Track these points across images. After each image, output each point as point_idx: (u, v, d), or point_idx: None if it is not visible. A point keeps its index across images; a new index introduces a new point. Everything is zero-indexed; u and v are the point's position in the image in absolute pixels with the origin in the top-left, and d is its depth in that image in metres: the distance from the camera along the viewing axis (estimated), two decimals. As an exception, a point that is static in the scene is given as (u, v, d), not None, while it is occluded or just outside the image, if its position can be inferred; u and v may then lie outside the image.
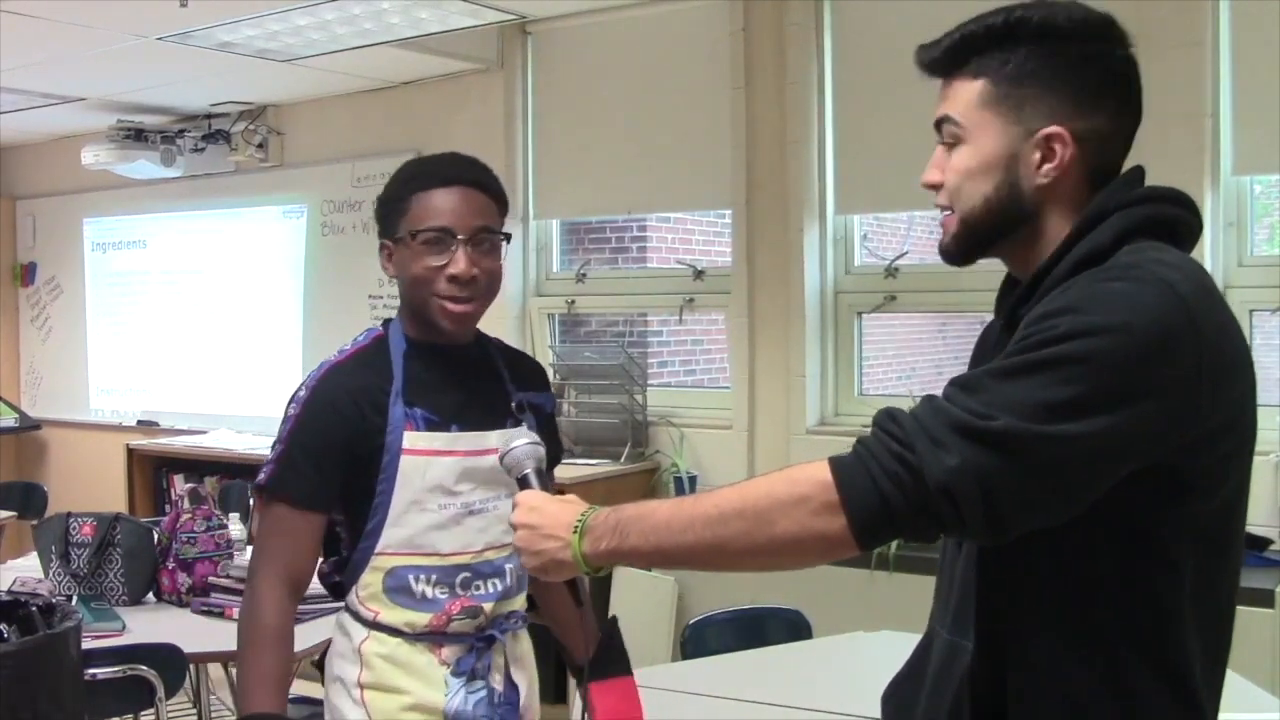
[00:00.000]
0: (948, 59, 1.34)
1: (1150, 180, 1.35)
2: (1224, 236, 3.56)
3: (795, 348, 4.29)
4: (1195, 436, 1.18)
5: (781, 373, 4.32)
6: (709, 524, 1.26)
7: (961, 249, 1.36)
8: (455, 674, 1.95)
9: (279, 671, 1.87)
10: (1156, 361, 1.14)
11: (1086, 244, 1.26)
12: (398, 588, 1.93)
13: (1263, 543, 3.33)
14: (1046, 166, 1.29)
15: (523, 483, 1.59)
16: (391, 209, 1.95)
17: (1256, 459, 3.85)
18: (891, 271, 4.16)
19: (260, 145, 5.77)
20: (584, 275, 4.95)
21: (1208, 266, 3.50)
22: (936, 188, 1.36)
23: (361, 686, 1.93)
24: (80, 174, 6.00)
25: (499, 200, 1.98)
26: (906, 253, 4.22)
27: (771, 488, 1.25)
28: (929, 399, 1.21)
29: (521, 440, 1.61)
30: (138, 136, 5.74)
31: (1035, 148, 1.29)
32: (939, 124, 1.35)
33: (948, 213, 1.36)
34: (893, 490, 1.16)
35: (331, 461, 1.90)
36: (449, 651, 1.96)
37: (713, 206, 4.92)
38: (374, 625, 1.94)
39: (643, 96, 4.66)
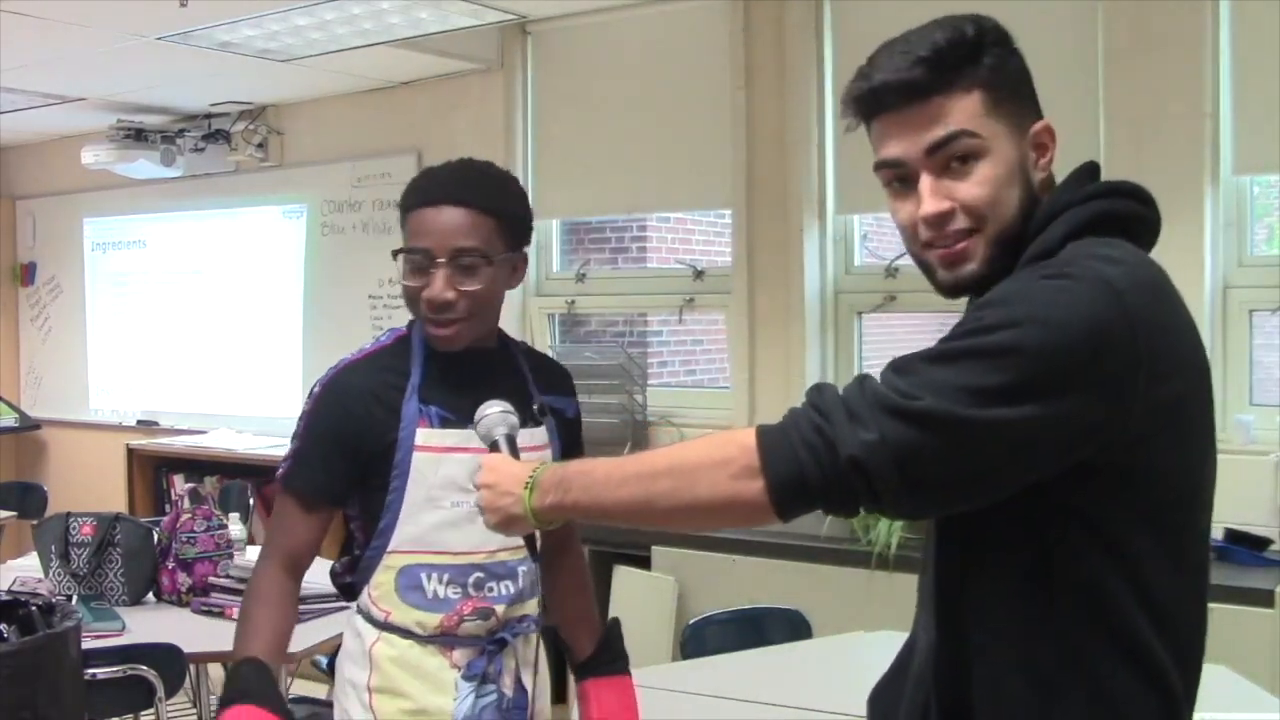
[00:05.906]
0: (934, 75, 1.27)
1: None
2: (1224, 236, 3.55)
3: (795, 348, 4.28)
4: (1134, 434, 1.18)
5: (781, 373, 4.32)
6: (640, 480, 1.31)
7: (995, 268, 1.29)
8: (466, 677, 1.95)
9: (267, 624, 1.89)
10: (1085, 358, 1.14)
11: (1038, 244, 1.26)
12: (410, 587, 1.93)
13: (1263, 543, 3.32)
14: (1043, 161, 1.32)
15: (494, 448, 1.65)
16: (401, 223, 1.95)
17: (1256, 459, 3.81)
18: (891, 271, 4.15)
19: (260, 145, 5.76)
20: (584, 275, 4.95)
21: (1207, 266, 3.49)
22: (948, 217, 1.29)
23: (370, 690, 1.93)
24: (80, 174, 6.00)
25: (498, 216, 1.89)
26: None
27: (700, 449, 1.29)
28: (861, 378, 1.23)
29: (495, 408, 1.67)
30: (138, 136, 5.73)
31: (1032, 146, 1.31)
32: (939, 146, 1.28)
33: (967, 240, 1.29)
34: (809, 459, 1.19)
35: (339, 457, 1.92)
36: (460, 654, 1.95)
37: (713, 206, 4.92)
38: (385, 626, 1.94)
39: (643, 96, 4.66)
